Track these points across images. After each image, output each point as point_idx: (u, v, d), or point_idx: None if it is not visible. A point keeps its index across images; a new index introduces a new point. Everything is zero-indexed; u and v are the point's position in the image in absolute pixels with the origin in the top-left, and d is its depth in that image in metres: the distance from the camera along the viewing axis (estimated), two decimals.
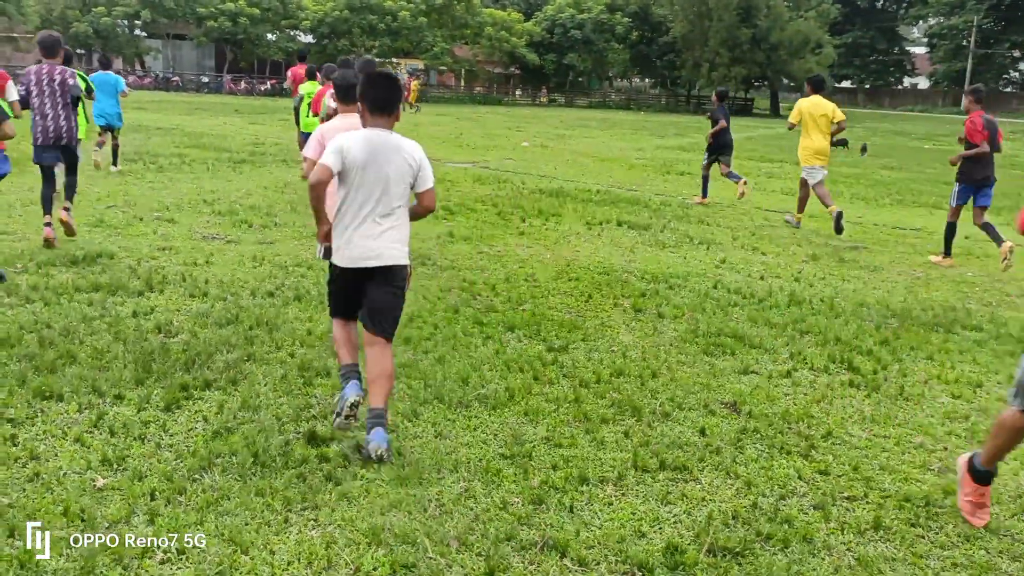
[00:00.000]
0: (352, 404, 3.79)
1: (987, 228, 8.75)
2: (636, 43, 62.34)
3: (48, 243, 7.18)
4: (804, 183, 10.35)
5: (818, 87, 10.46)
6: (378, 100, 3.83)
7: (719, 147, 12.29)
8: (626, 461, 3.81)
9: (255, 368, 4.70)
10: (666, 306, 6.46)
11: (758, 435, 4.18)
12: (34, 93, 7.31)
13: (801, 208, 10.54)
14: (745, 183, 12.02)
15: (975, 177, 8.70)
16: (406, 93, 32.62)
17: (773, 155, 21.34)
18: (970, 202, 8.83)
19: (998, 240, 8.55)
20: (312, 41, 56.46)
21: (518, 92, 65.83)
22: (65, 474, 3.42)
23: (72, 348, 4.77)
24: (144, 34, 56.17)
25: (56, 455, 3.58)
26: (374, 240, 3.78)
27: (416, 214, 4.02)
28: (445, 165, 15.77)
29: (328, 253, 4.02)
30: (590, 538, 3.17)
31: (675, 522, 3.33)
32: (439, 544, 3.07)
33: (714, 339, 5.66)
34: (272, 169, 13.73)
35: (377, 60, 44.31)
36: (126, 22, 53.82)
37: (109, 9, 52.31)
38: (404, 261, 3.91)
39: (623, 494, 3.54)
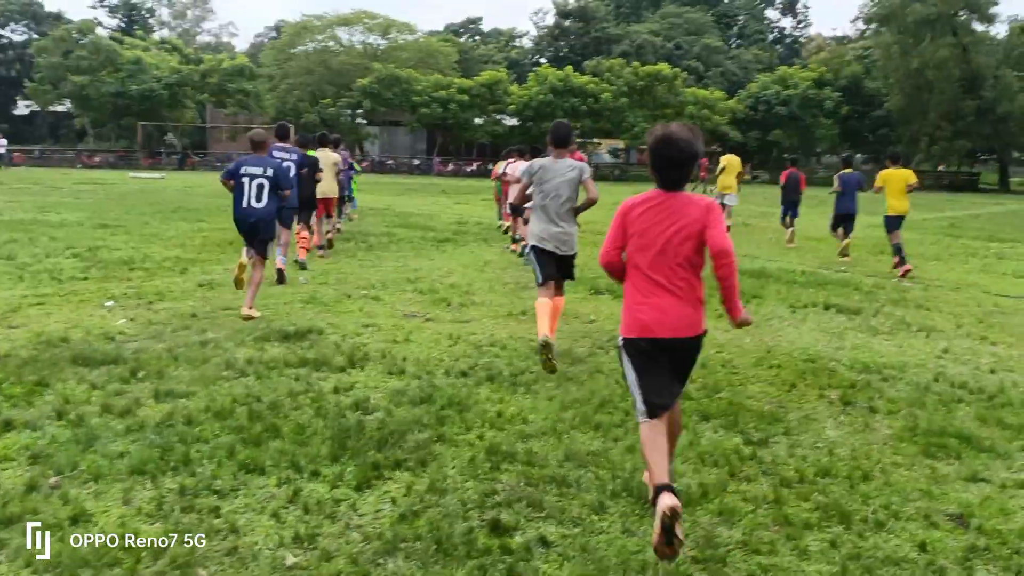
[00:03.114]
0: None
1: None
2: (846, 118, 60.14)
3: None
4: None
5: None
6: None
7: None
8: (833, 575, 3.45)
9: (444, 449, 4.71)
10: (879, 399, 5.95)
11: (990, 555, 3.68)
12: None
13: None
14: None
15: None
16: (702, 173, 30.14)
17: (1004, 234, 19.67)
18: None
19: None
20: (516, 123, 58.72)
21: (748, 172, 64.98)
22: (259, 550, 3.51)
23: (277, 422, 4.99)
24: (364, 121, 60.71)
25: (253, 530, 3.69)
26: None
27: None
28: None
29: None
30: None
31: None
32: None
33: (936, 439, 5.11)
34: (473, 248, 14.15)
35: (578, 141, 44.98)
36: (349, 111, 58.44)
37: (335, 101, 57.05)
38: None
39: None
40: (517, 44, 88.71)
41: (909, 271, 12.27)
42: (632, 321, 3.86)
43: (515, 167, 12.62)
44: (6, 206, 19.30)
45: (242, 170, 8.18)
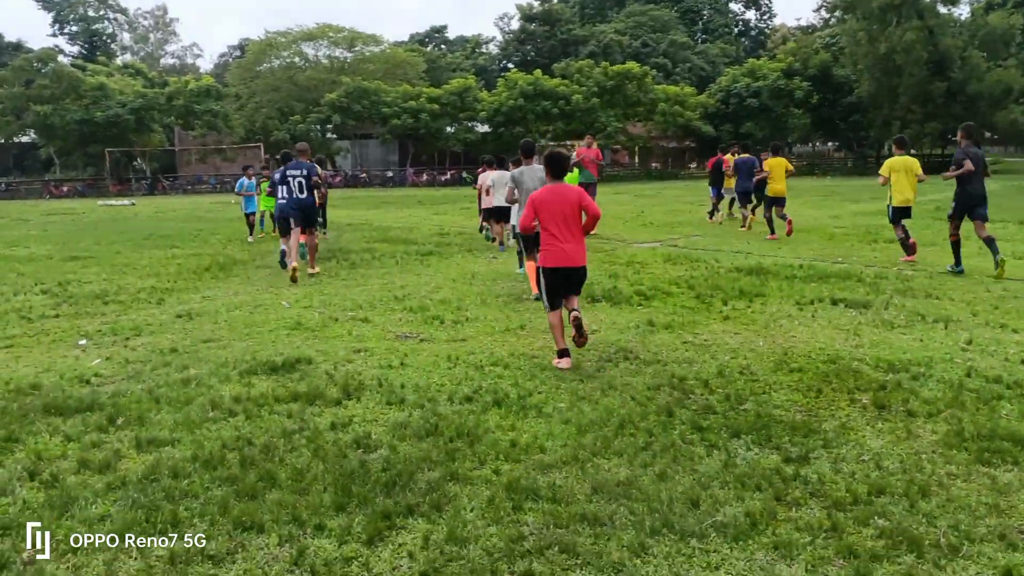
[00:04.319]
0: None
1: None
2: (817, 106, 60.20)
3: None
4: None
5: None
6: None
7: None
8: None
9: (459, 489, 4.28)
10: (914, 401, 5.58)
11: None
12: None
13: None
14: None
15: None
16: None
17: (992, 214, 19.41)
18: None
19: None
20: (488, 130, 58.32)
21: (693, 165, 64.92)
22: None
23: (272, 468, 4.54)
24: (335, 136, 60.07)
25: None
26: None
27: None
28: (632, 245, 15.29)
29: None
30: None
31: None
32: None
33: (987, 443, 4.74)
34: (459, 260, 13.72)
35: (551, 144, 45.66)
36: (318, 127, 57.78)
37: (304, 117, 56.40)
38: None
39: None
40: (484, 50, 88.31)
41: (772, 239, 15.97)
42: (549, 258, 6.68)
43: (484, 176, 16.02)
44: None
45: (288, 173, 12.14)
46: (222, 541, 3.74)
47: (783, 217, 16.27)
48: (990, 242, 11.04)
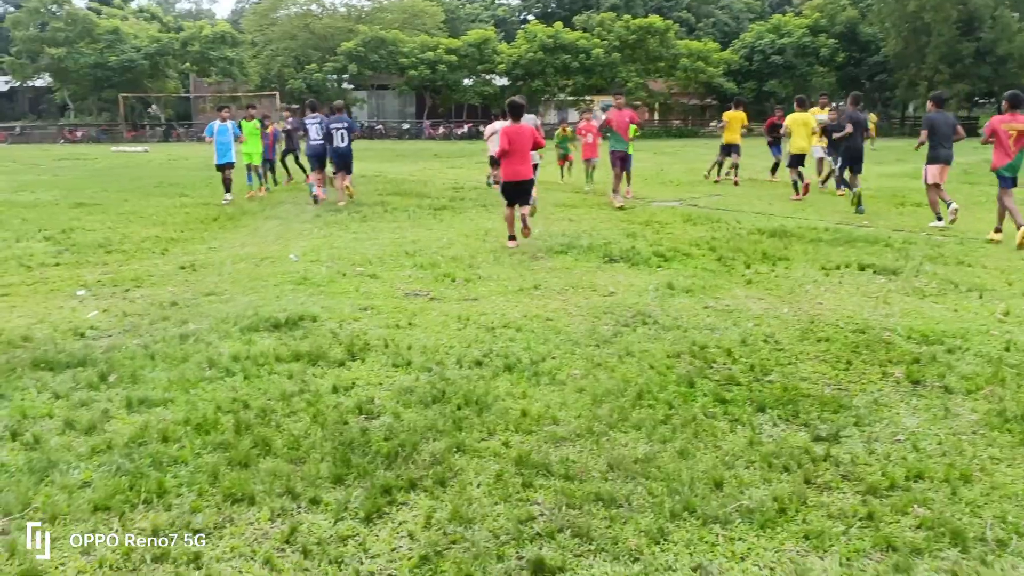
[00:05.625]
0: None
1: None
2: (843, 65, 58.96)
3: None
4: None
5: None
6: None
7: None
8: None
9: (465, 462, 4.00)
10: (951, 376, 5.24)
11: None
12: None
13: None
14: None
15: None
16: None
17: (1020, 178, 18.83)
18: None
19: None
20: (507, 83, 57.48)
21: (714, 123, 63.91)
22: None
23: (268, 434, 4.27)
24: (351, 86, 59.36)
25: None
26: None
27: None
28: (651, 204, 14.89)
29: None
30: None
31: None
32: None
33: None
34: (472, 215, 13.38)
35: (570, 99, 45.14)
36: (335, 76, 57.08)
37: (320, 66, 55.70)
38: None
39: None
40: (504, 2, 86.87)
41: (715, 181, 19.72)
42: (509, 174, 10.01)
43: (491, 126, 16.55)
44: None
45: (332, 126, 14.86)
46: (210, 515, 3.48)
47: (734, 166, 19.17)
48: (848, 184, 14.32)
